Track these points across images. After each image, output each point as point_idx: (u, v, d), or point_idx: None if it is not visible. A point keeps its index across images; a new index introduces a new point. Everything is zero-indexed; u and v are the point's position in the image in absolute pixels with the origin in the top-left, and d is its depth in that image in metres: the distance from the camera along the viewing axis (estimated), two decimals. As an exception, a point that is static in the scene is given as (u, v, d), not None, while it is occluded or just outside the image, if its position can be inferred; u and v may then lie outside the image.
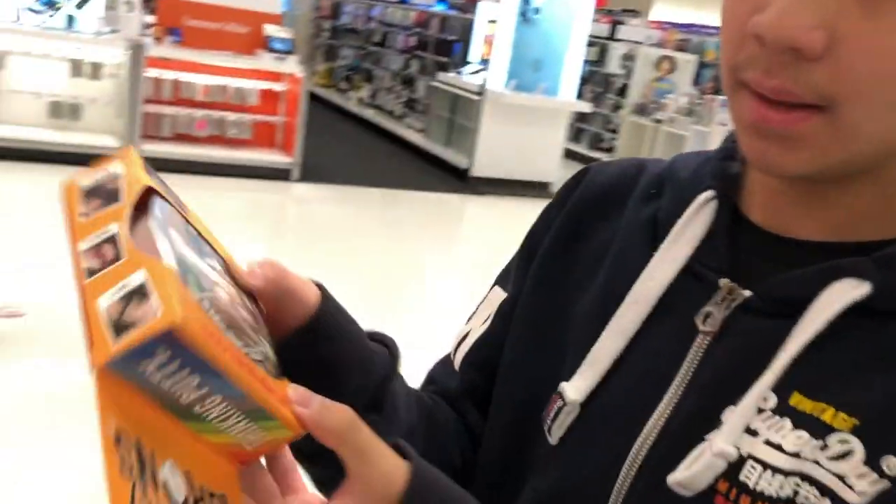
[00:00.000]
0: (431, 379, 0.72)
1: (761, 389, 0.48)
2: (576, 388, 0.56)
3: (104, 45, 6.09)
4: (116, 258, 0.39)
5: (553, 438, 0.57)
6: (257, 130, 6.76)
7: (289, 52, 6.67)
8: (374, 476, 0.44)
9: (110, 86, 6.23)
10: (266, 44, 6.61)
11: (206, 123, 6.56)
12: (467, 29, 9.14)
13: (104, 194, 0.43)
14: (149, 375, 0.37)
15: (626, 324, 0.55)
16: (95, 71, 6.18)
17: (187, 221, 0.46)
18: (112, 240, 0.40)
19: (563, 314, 0.61)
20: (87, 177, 0.44)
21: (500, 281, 0.71)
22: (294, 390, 0.45)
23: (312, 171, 6.87)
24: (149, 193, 0.43)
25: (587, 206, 0.64)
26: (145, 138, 6.20)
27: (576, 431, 0.56)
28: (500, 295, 0.69)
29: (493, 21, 8.24)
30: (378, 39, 11.43)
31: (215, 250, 0.48)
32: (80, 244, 0.41)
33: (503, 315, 0.67)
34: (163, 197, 0.44)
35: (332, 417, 0.44)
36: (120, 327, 0.36)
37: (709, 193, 0.56)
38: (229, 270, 0.48)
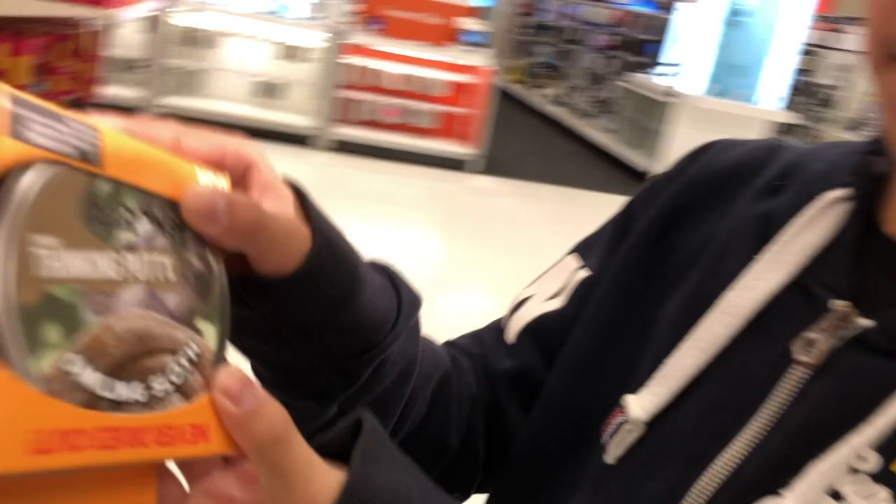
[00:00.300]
0: (480, 341, 0.63)
1: (859, 445, 0.38)
2: (641, 405, 0.47)
3: (308, 30, 6.40)
4: None
5: (609, 457, 0.48)
6: (444, 121, 6.86)
7: (483, 46, 6.71)
8: (290, 502, 0.36)
9: (311, 69, 6.54)
10: (460, 36, 6.68)
11: (395, 111, 6.73)
12: (665, 29, 8.82)
13: None
14: None
15: (711, 338, 0.46)
16: (298, 54, 6.52)
17: (101, 177, 0.34)
18: None
19: (649, 312, 0.52)
20: None
21: (581, 250, 0.61)
22: (228, 377, 0.36)
23: (495, 165, 6.89)
24: (15, 169, 0.30)
25: (701, 188, 0.54)
26: (338, 121, 6.46)
27: (635, 454, 0.47)
28: (575, 266, 0.60)
29: (694, 22, 7.89)
30: (574, 37, 11.29)
31: (154, 193, 0.36)
32: None
33: (581, 296, 0.58)
34: (51, 159, 0.31)
35: (258, 427, 0.35)
36: None
37: (840, 192, 0.46)
38: (179, 214, 0.37)
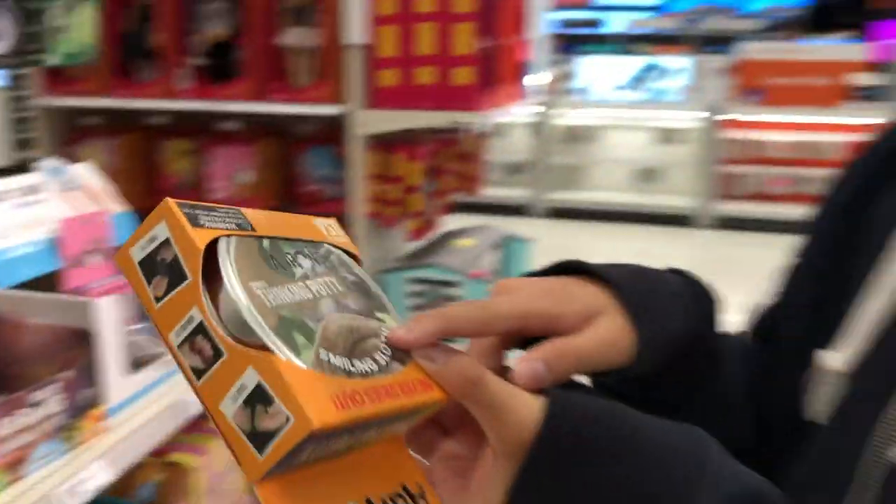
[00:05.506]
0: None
1: None
2: (837, 357, 0.46)
3: (684, 111, 6.40)
4: (216, 354, 0.40)
5: (813, 414, 0.47)
6: (841, 186, 6.29)
7: (881, 100, 6.10)
8: (504, 429, 0.43)
9: (689, 149, 6.50)
10: (852, 94, 6.16)
11: (784, 181, 6.37)
12: None
13: (164, 269, 0.42)
14: (301, 458, 0.40)
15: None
16: (675, 137, 6.54)
17: (261, 237, 0.46)
18: (202, 331, 0.41)
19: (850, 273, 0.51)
20: (136, 247, 0.43)
21: None
22: (419, 349, 0.45)
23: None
24: (210, 250, 0.42)
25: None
26: (721, 198, 6.30)
27: (835, 409, 0.45)
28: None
29: None
30: None
31: (307, 240, 0.49)
32: (171, 336, 0.42)
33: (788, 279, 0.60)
34: (225, 234, 0.43)
35: (455, 374, 0.43)
36: (258, 439, 0.39)
37: None
38: (318, 249, 0.49)
